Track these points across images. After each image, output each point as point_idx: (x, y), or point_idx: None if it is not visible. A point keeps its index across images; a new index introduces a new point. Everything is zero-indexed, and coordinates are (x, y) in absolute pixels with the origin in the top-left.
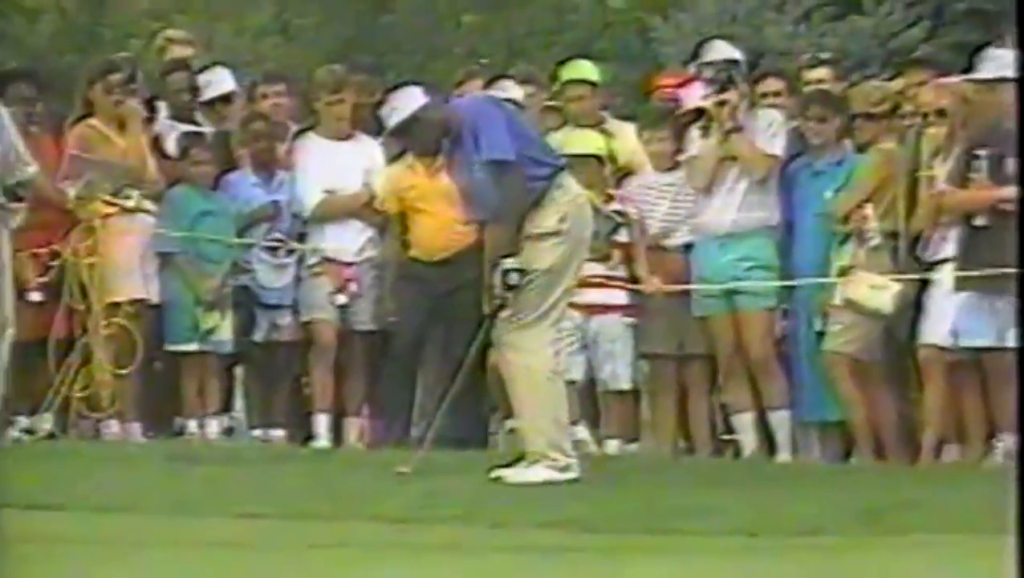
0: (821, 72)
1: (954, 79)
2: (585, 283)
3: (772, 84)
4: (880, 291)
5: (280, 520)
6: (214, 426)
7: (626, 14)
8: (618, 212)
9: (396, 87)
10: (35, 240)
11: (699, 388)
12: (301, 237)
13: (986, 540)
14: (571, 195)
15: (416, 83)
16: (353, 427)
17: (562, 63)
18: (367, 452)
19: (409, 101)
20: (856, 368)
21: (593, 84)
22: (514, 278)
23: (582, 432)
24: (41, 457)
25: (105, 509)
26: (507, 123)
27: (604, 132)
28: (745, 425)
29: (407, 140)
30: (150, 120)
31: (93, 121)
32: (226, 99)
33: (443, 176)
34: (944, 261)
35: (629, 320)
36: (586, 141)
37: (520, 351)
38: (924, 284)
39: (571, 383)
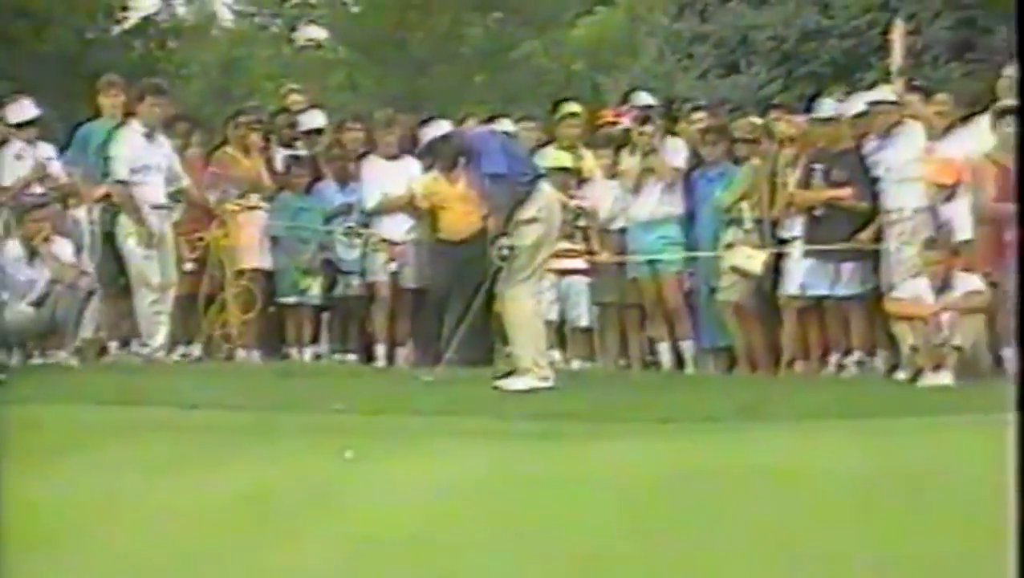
0: (699, 114)
1: (799, 117)
2: (558, 254)
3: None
4: (753, 259)
5: (352, 414)
6: (308, 352)
7: (582, 74)
8: (579, 206)
9: (426, 121)
10: (188, 229)
11: (633, 326)
12: (366, 225)
13: (821, 424)
14: (547, 194)
15: (441, 119)
16: (401, 353)
17: (559, 103)
18: (410, 369)
19: (435, 131)
20: (738, 311)
21: (579, 117)
22: (505, 251)
23: (556, 354)
24: (193, 373)
25: (237, 407)
26: (502, 146)
27: (575, 154)
28: (664, 350)
29: (434, 158)
30: (265, 147)
31: (227, 149)
32: (318, 131)
33: (459, 184)
34: (794, 238)
35: (587, 279)
36: (558, 158)
37: (515, 300)
38: (781, 254)
39: (548, 322)
